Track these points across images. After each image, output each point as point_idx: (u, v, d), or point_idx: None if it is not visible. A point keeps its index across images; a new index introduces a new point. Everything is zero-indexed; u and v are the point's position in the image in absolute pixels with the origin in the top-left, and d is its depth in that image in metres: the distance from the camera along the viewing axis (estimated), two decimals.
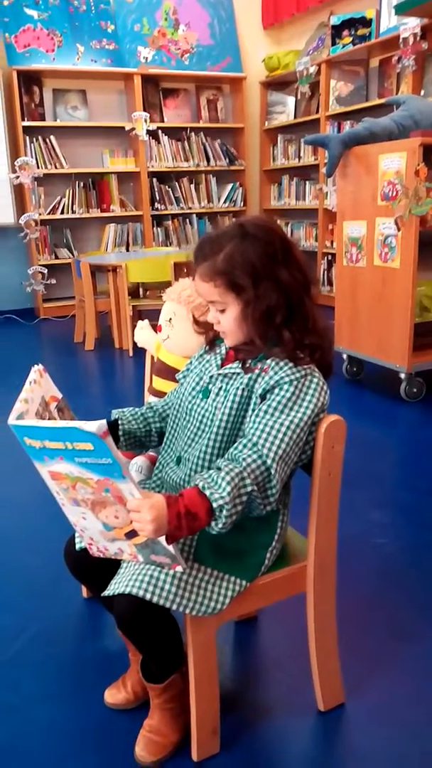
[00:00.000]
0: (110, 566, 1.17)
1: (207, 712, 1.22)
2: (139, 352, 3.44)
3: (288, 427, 1.09)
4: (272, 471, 1.07)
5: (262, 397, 1.13)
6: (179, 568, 1.08)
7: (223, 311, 1.16)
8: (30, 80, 5.40)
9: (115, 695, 1.37)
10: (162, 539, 1.00)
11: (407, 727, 1.30)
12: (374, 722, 1.31)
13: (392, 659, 1.48)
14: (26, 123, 5.35)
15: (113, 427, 1.28)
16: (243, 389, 1.15)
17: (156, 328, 1.75)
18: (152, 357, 1.81)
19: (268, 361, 1.15)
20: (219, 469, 1.05)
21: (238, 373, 1.18)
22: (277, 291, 1.12)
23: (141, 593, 1.07)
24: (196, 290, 1.20)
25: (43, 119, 5.52)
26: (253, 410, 1.14)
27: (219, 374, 1.21)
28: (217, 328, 1.21)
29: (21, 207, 5.51)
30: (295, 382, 1.12)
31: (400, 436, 2.87)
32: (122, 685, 1.38)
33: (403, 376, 3.14)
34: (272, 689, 1.43)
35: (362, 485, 2.32)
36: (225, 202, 6.34)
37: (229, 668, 1.49)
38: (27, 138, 5.39)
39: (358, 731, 1.30)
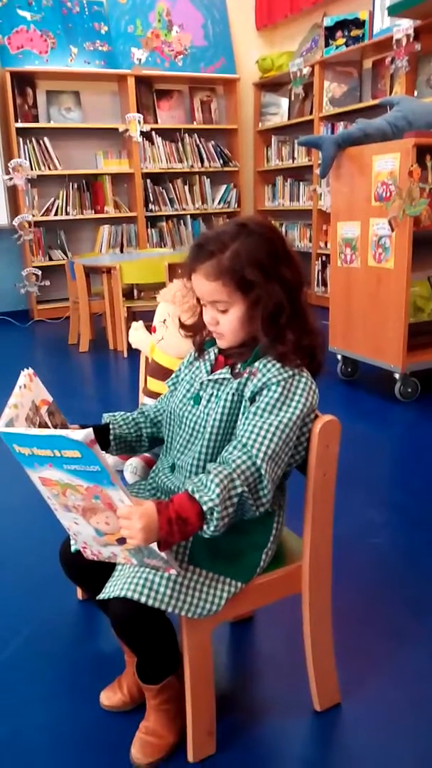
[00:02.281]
0: (105, 568, 1.17)
1: (203, 713, 1.22)
2: (134, 354, 3.43)
3: (277, 427, 1.09)
4: (262, 471, 1.06)
5: (252, 400, 1.13)
6: (173, 572, 1.08)
7: (224, 311, 1.14)
8: (23, 82, 5.39)
9: (111, 697, 1.37)
10: (154, 545, 1.00)
11: (403, 727, 1.30)
12: (370, 722, 1.31)
13: (388, 659, 1.48)
14: (20, 124, 5.34)
15: (104, 431, 1.27)
16: (234, 394, 1.15)
17: (150, 329, 1.75)
18: (146, 358, 1.81)
19: (256, 364, 1.14)
20: (208, 472, 1.05)
21: (228, 379, 1.18)
22: (282, 289, 1.11)
23: (136, 596, 1.07)
24: (197, 290, 1.16)
25: (37, 121, 5.51)
26: (243, 413, 1.14)
27: (209, 380, 1.21)
28: (214, 329, 1.18)
29: (14, 208, 5.50)
30: (282, 383, 1.11)
31: (394, 436, 2.88)
32: (118, 686, 1.37)
33: (397, 376, 3.15)
34: (268, 690, 1.43)
35: (357, 485, 2.32)
36: (219, 203, 6.34)
37: (224, 669, 1.49)
38: (20, 139, 5.38)
39: (353, 731, 1.30)
